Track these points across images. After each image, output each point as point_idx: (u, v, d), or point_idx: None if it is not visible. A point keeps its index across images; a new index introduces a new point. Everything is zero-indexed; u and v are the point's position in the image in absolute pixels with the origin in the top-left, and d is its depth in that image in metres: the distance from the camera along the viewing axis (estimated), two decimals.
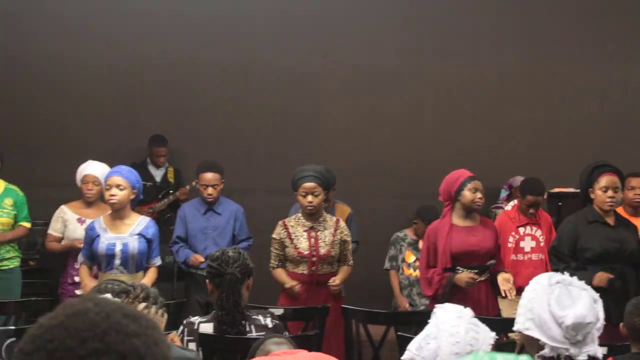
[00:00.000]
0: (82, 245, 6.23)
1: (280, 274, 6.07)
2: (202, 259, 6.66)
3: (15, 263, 6.69)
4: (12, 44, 8.61)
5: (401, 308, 7.43)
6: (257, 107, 9.02)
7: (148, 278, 5.84)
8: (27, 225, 6.81)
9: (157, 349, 1.52)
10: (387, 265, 7.62)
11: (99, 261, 5.85)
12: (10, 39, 8.60)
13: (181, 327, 4.33)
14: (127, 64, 8.78)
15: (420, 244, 6.98)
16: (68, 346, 1.46)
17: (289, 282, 5.99)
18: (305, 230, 6.06)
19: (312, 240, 6.03)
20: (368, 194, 8.68)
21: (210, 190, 6.89)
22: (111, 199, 5.82)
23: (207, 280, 4.42)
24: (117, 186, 5.82)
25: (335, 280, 6.03)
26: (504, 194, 8.43)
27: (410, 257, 7.46)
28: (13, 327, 4.85)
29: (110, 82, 8.79)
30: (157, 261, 5.98)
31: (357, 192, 8.30)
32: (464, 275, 5.72)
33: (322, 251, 6.01)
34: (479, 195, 5.82)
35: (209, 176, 6.91)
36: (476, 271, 5.75)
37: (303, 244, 6.02)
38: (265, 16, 8.99)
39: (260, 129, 8.98)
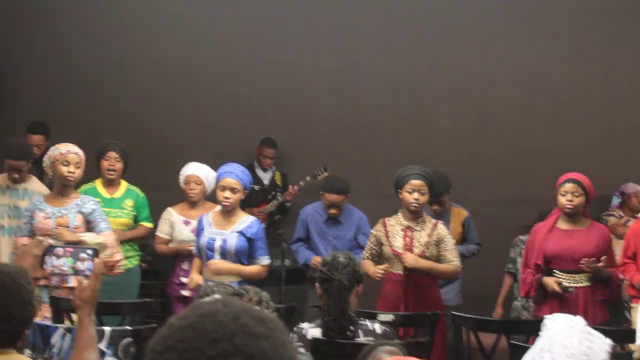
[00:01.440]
0: (191, 248, 6.35)
1: (367, 264, 6.01)
2: None
3: (134, 262, 6.76)
4: (121, 51, 8.86)
5: (495, 315, 7.35)
6: (364, 111, 9.03)
7: (249, 269, 5.89)
8: (149, 225, 6.89)
9: (285, 351, 1.52)
10: (506, 267, 7.56)
11: (201, 254, 5.94)
12: (119, 46, 8.86)
13: (291, 334, 4.32)
14: (237, 69, 8.94)
15: None
16: (198, 346, 1.49)
17: (373, 269, 5.94)
18: (402, 229, 6.01)
19: (408, 239, 5.97)
20: (482, 198, 8.59)
21: (333, 210, 6.92)
22: (225, 202, 5.88)
23: (317, 284, 4.41)
24: (232, 189, 5.87)
25: (407, 256, 5.87)
26: (615, 201, 8.21)
27: None
28: (129, 328, 4.93)
29: (219, 85, 8.96)
30: (264, 260, 5.97)
31: (472, 196, 8.22)
32: (550, 281, 5.74)
33: (416, 251, 5.94)
34: (567, 197, 5.83)
35: (333, 197, 6.93)
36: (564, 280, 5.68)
37: (398, 242, 5.97)
38: (374, 21, 9.02)
39: (368, 134, 8.99)
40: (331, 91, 9.04)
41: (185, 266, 6.59)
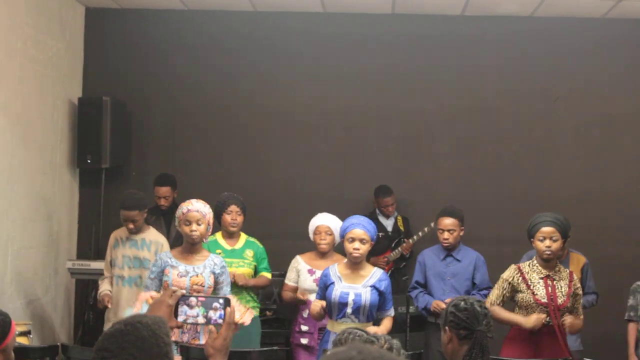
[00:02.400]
0: (304, 297, 6.46)
1: (500, 311, 5.93)
2: (444, 305, 6.61)
3: (254, 313, 6.86)
4: (243, 102, 9.06)
5: None
6: (483, 153, 9.00)
7: (383, 326, 5.87)
8: (268, 275, 6.98)
9: None
10: (626, 315, 7.31)
11: (331, 308, 5.93)
12: (242, 97, 9.06)
13: None
14: (353, 118, 9.05)
15: None
16: None
17: (516, 318, 5.85)
18: (541, 278, 5.90)
19: (550, 288, 5.86)
20: (602, 242, 8.45)
21: (446, 235, 6.87)
22: (355, 253, 5.89)
23: (446, 327, 4.28)
24: (360, 240, 5.89)
25: (567, 320, 5.81)
26: None
27: None
28: None
29: (337, 135, 9.07)
30: (391, 312, 5.98)
31: (591, 240, 8.09)
32: None
33: (560, 301, 5.82)
34: None
35: (448, 221, 6.89)
36: None
37: (541, 292, 5.85)
38: (494, 63, 9.03)
39: (488, 177, 8.95)
40: (452, 134, 9.03)
41: (306, 314, 6.61)
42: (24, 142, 7.59)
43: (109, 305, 6.90)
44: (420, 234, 8.23)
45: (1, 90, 7.14)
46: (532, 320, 5.80)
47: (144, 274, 6.79)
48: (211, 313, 3.61)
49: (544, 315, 5.80)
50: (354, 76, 9.09)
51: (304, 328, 6.45)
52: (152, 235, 6.98)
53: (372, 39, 9.10)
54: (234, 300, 5.66)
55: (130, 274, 6.91)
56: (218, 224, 6.77)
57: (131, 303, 6.51)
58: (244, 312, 5.40)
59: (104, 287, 7.02)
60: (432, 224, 7.34)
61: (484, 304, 4.24)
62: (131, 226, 6.87)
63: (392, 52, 9.09)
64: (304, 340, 6.57)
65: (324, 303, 5.89)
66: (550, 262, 5.92)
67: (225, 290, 5.89)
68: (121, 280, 6.92)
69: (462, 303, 4.18)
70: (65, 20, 8.63)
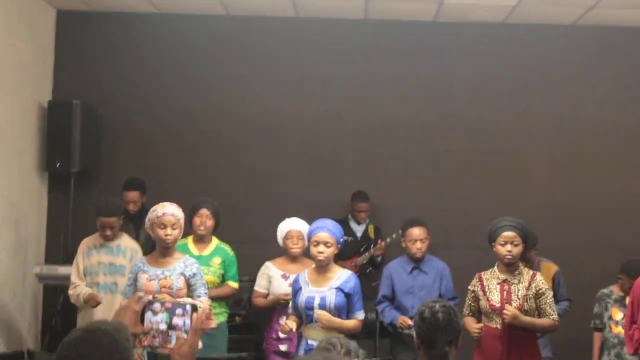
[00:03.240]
0: (287, 298, 6.34)
1: (468, 321, 5.93)
2: (409, 322, 6.60)
3: (221, 318, 6.80)
4: (215, 106, 9.03)
5: None
6: (458, 162, 9.03)
7: (349, 324, 5.83)
8: (234, 285, 6.88)
9: None
10: (592, 323, 7.36)
11: (300, 314, 5.91)
12: (213, 101, 9.04)
13: None
14: (327, 122, 9.06)
15: (627, 300, 6.69)
16: None
17: (473, 326, 5.85)
18: (498, 283, 5.91)
19: (505, 292, 5.86)
20: (571, 250, 8.51)
21: (418, 244, 6.86)
22: (319, 256, 5.88)
23: (415, 338, 4.28)
24: (325, 243, 5.87)
25: (508, 311, 5.75)
26: None
27: (618, 315, 7.16)
28: None
29: (311, 139, 9.06)
30: (360, 315, 5.92)
31: (561, 248, 8.14)
32: None
33: (514, 304, 5.82)
34: None
35: (418, 231, 6.89)
36: None
37: (495, 297, 5.87)
38: (463, 76, 9.05)
39: (462, 185, 8.97)
40: (424, 144, 9.04)
41: (282, 321, 6.55)
42: None
43: (102, 302, 6.73)
44: (388, 240, 8.23)
45: None
46: (470, 329, 5.83)
47: (119, 281, 6.74)
48: (175, 319, 3.59)
49: (476, 326, 5.81)
50: (327, 81, 9.08)
51: (282, 334, 6.38)
52: (127, 242, 6.92)
53: (345, 44, 9.09)
54: (208, 303, 5.63)
55: (105, 280, 6.84)
56: (190, 227, 6.72)
57: (106, 310, 6.46)
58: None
59: (84, 289, 6.83)
60: (399, 232, 7.31)
61: (452, 310, 4.21)
62: (108, 233, 6.81)
63: (364, 58, 9.09)
64: (282, 347, 6.53)
65: (293, 326, 5.87)
66: (511, 267, 5.92)
67: (200, 291, 5.79)
68: (96, 286, 6.83)
69: (426, 311, 4.15)
70: (36, 23, 8.56)
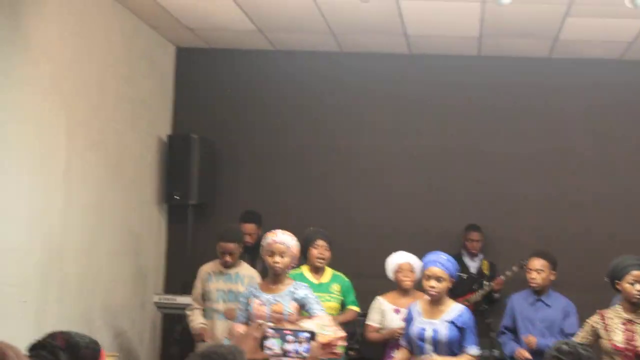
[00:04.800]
0: (402, 332, 6.36)
1: None
2: (527, 355, 6.53)
3: (341, 348, 6.83)
4: (329, 141, 9.17)
5: None
6: (574, 198, 8.90)
7: None
8: (356, 308, 7.00)
9: None
10: None
11: (412, 345, 5.92)
12: (327, 137, 9.17)
13: None
14: (439, 155, 9.07)
15: None
16: None
17: None
18: (622, 322, 5.76)
19: (629, 333, 5.72)
20: None
21: (534, 274, 6.78)
22: (431, 290, 5.89)
23: None
24: (437, 278, 5.88)
25: None
26: None
27: None
28: None
29: (422, 173, 9.10)
30: (473, 350, 5.89)
31: None
32: None
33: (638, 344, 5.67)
34: None
35: (537, 262, 6.80)
36: None
37: (618, 337, 5.71)
38: (577, 107, 8.97)
39: (577, 223, 8.83)
40: (538, 179, 8.97)
41: (394, 353, 6.56)
42: (115, 178, 7.78)
43: (209, 341, 6.84)
44: (508, 273, 8.16)
45: (95, 127, 7.35)
46: None
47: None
48: (287, 345, 3.66)
49: None
50: (439, 116, 9.11)
51: None
52: (245, 270, 7.01)
53: (457, 80, 9.11)
54: (328, 318, 5.65)
55: (225, 307, 6.92)
56: (304, 258, 6.81)
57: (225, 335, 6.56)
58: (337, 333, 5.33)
59: (198, 319, 6.99)
60: (520, 262, 7.24)
61: (587, 347, 4.15)
62: (228, 259, 6.89)
63: (477, 93, 9.10)
64: None
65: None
66: (638, 306, 5.77)
67: (315, 307, 5.79)
68: (216, 313, 6.94)
69: (565, 346, 4.10)
70: (157, 59, 8.86)
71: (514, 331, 6.88)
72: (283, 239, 5.84)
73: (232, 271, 6.98)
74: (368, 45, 8.92)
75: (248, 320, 5.79)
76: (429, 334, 5.82)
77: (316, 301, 5.83)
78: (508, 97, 9.07)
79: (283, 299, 5.78)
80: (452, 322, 5.85)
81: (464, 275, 8.33)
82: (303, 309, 5.79)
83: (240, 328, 5.68)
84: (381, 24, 8.13)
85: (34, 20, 6.20)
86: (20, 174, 6.09)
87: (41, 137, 6.40)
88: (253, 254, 7.77)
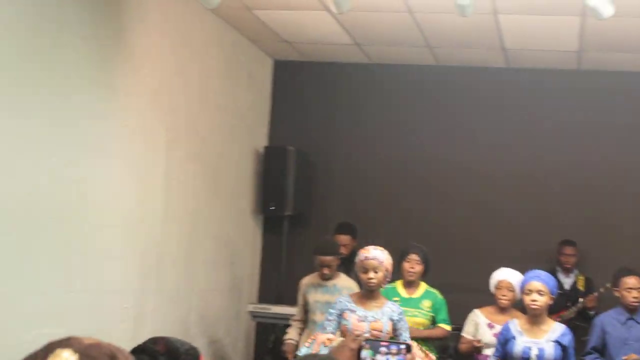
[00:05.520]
0: (479, 344, 6.37)
1: None
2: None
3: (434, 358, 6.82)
4: (426, 155, 9.14)
5: None
6: None
7: None
8: (446, 327, 6.94)
9: None
10: None
11: None
12: (424, 150, 9.14)
13: None
14: (535, 171, 8.97)
15: None
16: None
17: None
18: None
19: None
20: None
21: (635, 293, 6.64)
22: (532, 304, 5.84)
23: None
24: (538, 292, 5.83)
25: None
26: None
27: None
28: None
29: (519, 187, 8.98)
30: None
31: None
32: None
33: None
34: None
35: (633, 280, 6.68)
36: None
37: None
38: None
39: None
40: (636, 191, 8.80)
41: None
42: (212, 188, 7.91)
43: (290, 357, 6.94)
44: (602, 290, 8.01)
45: (194, 138, 7.50)
46: None
47: None
48: (378, 357, 3.67)
49: None
50: (536, 131, 9.01)
51: None
52: (343, 282, 7.04)
53: (555, 94, 9.00)
54: (415, 346, 5.67)
55: (322, 318, 6.92)
56: (399, 272, 6.81)
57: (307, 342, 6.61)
58: (424, 358, 5.38)
59: (290, 334, 7.09)
60: (608, 285, 7.11)
61: None
62: (326, 271, 6.95)
63: (576, 108, 8.96)
64: None
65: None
66: None
67: (405, 336, 5.85)
68: (313, 324, 6.99)
69: None
70: (254, 72, 8.99)
71: (602, 352, 6.75)
72: (375, 255, 5.85)
73: (330, 283, 7.01)
74: (465, 58, 8.89)
75: (336, 332, 5.81)
76: (534, 352, 5.77)
77: (405, 328, 5.85)
78: (608, 112, 8.91)
79: (382, 317, 5.79)
80: (557, 342, 5.80)
81: (558, 292, 8.18)
82: (394, 333, 5.81)
83: (324, 337, 5.71)
84: (479, 38, 8.09)
85: (137, 33, 6.37)
86: (122, 183, 6.25)
87: (143, 147, 6.56)
88: (348, 265, 7.80)
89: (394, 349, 3.73)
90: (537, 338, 5.83)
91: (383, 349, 3.79)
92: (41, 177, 5.25)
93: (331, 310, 5.95)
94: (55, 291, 5.41)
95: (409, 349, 3.62)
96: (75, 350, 1.68)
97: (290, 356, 6.97)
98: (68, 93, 5.49)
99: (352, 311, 5.84)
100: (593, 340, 6.83)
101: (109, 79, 6.01)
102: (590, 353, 6.80)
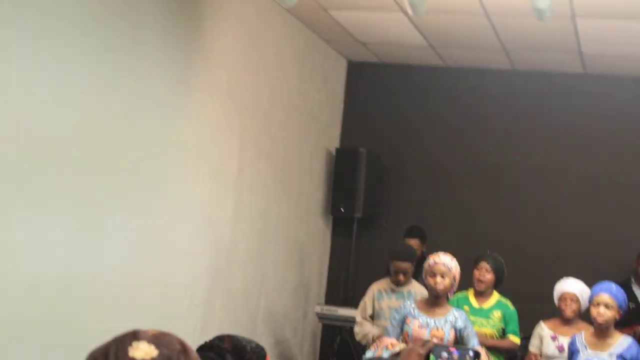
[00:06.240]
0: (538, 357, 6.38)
1: None
2: None
3: None
4: (498, 160, 9.03)
5: None
6: None
7: None
8: (515, 339, 6.79)
9: None
10: None
11: None
12: (495, 155, 9.04)
13: None
14: (609, 180, 8.81)
15: None
16: None
17: None
18: None
19: None
20: None
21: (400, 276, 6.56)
22: (598, 318, 5.73)
23: None
24: (605, 305, 5.72)
25: None
26: None
27: None
28: None
29: (593, 197, 8.83)
30: None
31: None
32: None
33: None
34: None
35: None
36: None
37: None
38: None
39: None
40: None
41: None
42: (283, 188, 7.94)
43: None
44: None
45: (266, 137, 7.53)
46: None
47: None
48: None
49: None
50: (613, 139, 8.82)
51: None
52: (417, 288, 6.87)
53: (634, 102, 8.82)
54: (483, 353, 5.61)
55: None
56: (471, 279, 6.77)
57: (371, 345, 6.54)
58: None
59: (373, 330, 6.77)
60: None
61: None
62: (401, 277, 6.79)
63: None
64: None
65: None
66: None
67: (473, 342, 5.78)
68: (386, 332, 6.92)
69: None
70: (328, 73, 8.99)
71: None
72: (444, 260, 5.84)
73: (405, 289, 6.87)
74: (541, 63, 8.76)
75: (399, 337, 5.78)
76: None
77: (474, 334, 5.80)
78: None
79: (444, 325, 5.75)
80: (621, 356, 5.69)
81: (632, 304, 7.99)
82: (462, 341, 5.74)
83: (387, 341, 5.68)
84: (556, 42, 7.97)
85: (213, 32, 6.42)
86: (195, 180, 6.31)
87: (216, 145, 6.61)
88: (416, 270, 7.74)
89: (454, 354, 3.69)
90: (600, 351, 5.74)
91: (444, 354, 3.76)
92: (120, 172, 5.33)
93: (395, 315, 5.93)
94: (126, 285, 5.47)
95: (477, 355, 3.57)
96: (149, 342, 1.69)
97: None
98: (145, 92, 5.56)
99: (415, 317, 5.81)
100: None
101: (184, 78, 6.07)
102: None
